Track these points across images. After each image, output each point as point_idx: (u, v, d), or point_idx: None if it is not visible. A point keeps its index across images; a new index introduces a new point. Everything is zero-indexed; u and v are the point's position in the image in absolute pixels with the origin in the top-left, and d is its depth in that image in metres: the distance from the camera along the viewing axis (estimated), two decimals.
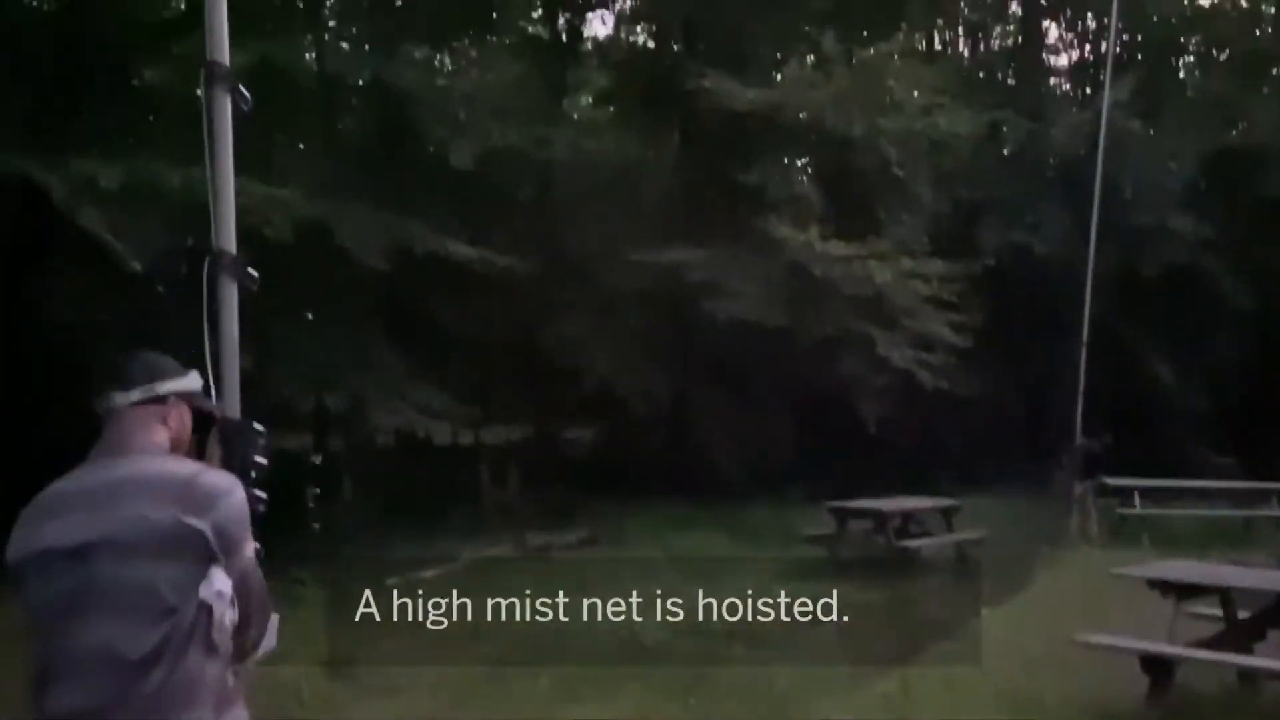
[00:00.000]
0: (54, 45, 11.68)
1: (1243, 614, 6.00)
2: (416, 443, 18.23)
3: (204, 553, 1.86)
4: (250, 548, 1.99)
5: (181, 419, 2.09)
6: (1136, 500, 13.25)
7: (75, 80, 11.66)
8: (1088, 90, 20.27)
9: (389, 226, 12.25)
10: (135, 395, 2.01)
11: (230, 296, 2.47)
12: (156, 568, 1.83)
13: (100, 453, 1.98)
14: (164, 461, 1.99)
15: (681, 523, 13.11)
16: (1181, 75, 21.57)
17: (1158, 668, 5.57)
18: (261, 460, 2.34)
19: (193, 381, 2.14)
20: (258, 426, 2.38)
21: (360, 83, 14.89)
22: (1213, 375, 17.34)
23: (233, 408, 2.44)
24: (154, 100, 13.17)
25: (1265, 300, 17.20)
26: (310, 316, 12.02)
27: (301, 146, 15.91)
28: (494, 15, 18.20)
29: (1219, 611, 6.01)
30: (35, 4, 12.64)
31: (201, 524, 1.86)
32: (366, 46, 16.15)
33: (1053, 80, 22.64)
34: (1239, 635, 5.92)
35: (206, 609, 1.85)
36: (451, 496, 14.51)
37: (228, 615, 1.89)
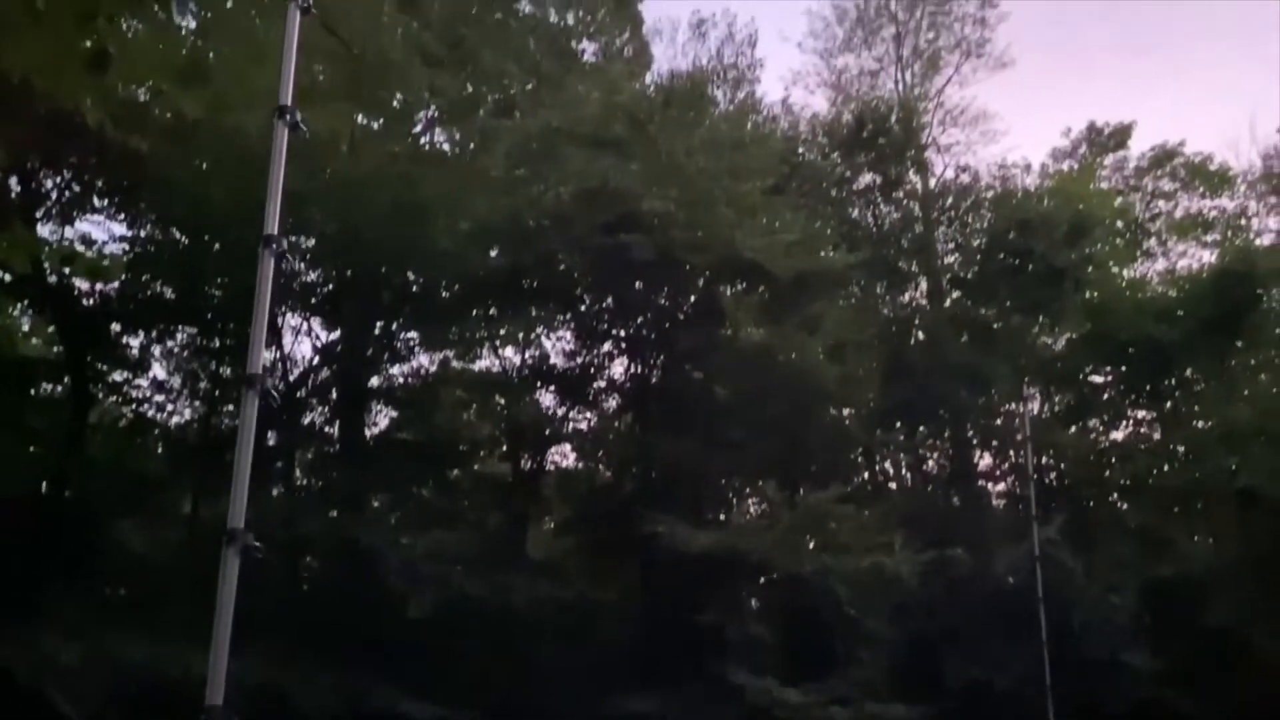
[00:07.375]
0: (32, 518, 12.12)
1: None
2: None
3: None
4: None
5: None
6: None
7: (48, 554, 11.97)
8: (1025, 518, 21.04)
9: (342, 689, 12.07)
10: None
11: None
12: None
13: None
14: None
15: None
16: (1121, 506, 22.22)
17: None
18: None
19: None
20: None
21: (321, 536, 15.29)
22: None
23: None
24: (127, 568, 13.42)
25: None
26: None
27: (259, 607, 15.94)
28: (459, 458, 19.17)
29: None
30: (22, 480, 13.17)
31: None
32: (331, 501, 16.63)
33: (992, 506, 23.64)
34: None
35: None
36: None
37: None
